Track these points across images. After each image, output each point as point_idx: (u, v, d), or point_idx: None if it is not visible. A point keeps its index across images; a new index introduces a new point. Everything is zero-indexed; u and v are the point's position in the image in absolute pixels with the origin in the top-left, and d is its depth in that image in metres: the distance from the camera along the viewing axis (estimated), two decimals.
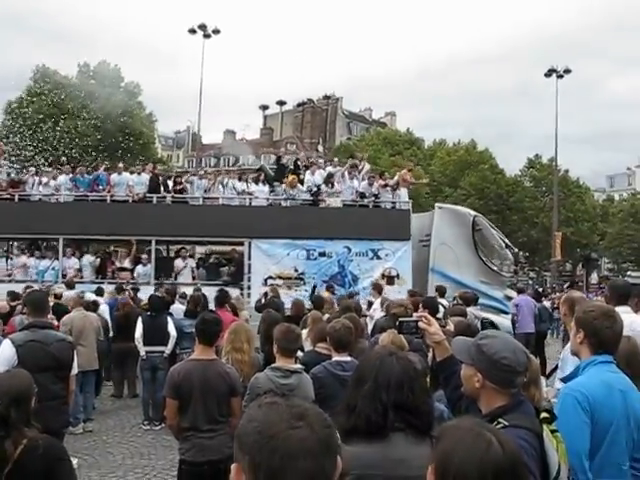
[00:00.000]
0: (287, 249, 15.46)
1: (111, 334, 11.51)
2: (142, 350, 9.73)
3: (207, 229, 15.40)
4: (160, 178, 16.90)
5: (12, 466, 2.81)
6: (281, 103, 74.70)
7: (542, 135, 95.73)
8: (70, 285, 13.09)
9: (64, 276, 15.04)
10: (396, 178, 16.90)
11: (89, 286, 13.76)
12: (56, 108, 37.07)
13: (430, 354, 4.40)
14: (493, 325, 12.69)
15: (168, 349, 9.71)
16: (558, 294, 23.65)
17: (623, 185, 78.94)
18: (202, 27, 35.37)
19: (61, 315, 9.61)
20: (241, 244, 15.73)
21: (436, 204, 17.90)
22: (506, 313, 14.64)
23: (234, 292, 13.59)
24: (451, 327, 5.47)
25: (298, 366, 4.69)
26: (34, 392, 3.17)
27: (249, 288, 15.05)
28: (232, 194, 16.30)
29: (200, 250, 18.64)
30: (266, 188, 16.50)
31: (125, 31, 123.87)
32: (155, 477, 7.38)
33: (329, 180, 16.14)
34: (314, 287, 13.83)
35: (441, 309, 9.06)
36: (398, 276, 15.41)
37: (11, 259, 16.19)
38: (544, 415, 2.55)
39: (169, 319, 9.93)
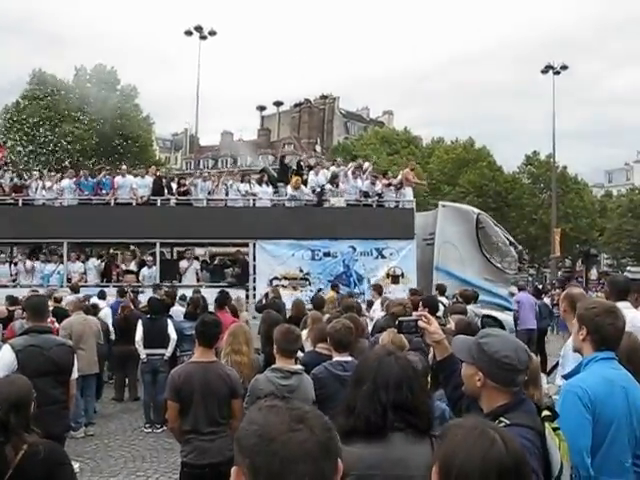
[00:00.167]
0: (292, 250, 15.47)
1: (112, 337, 11.52)
2: (142, 353, 9.73)
3: (211, 231, 15.41)
4: (164, 180, 16.93)
5: (13, 472, 2.81)
6: (278, 104, 74.76)
7: (540, 132, 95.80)
8: (75, 289, 13.10)
9: (69, 280, 15.04)
10: (399, 177, 16.91)
11: (94, 290, 13.79)
12: (53, 112, 37.07)
13: (431, 353, 4.39)
14: (498, 322, 12.72)
15: (168, 352, 9.71)
16: (557, 290, 23.62)
17: (621, 180, 78.99)
18: (198, 29, 35.34)
19: (61, 319, 9.63)
20: (246, 245, 15.76)
21: (440, 202, 17.90)
22: (510, 310, 14.66)
23: (240, 293, 13.67)
24: (452, 325, 5.46)
25: (298, 367, 4.68)
26: (33, 397, 3.16)
27: (254, 289, 15.03)
28: (236, 195, 16.31)
29: (199, 252, 18.61)
30: (270, 189, 16.51)
31: (121, 34, 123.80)
32: None
33: (334, 180, 16.17)
34: (319, 290, 13.90)
35: (441, 307, 9.06)
36: (403, 275, 15.47)
37: (15, 264, 16.17)
38: (546, 413, 2.54)
39: (169, 322, 9.92)
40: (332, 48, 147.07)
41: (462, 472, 1.53)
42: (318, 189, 15.95)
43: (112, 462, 8.00)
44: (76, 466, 6.91)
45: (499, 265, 15.87)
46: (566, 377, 3.25)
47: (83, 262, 15.92)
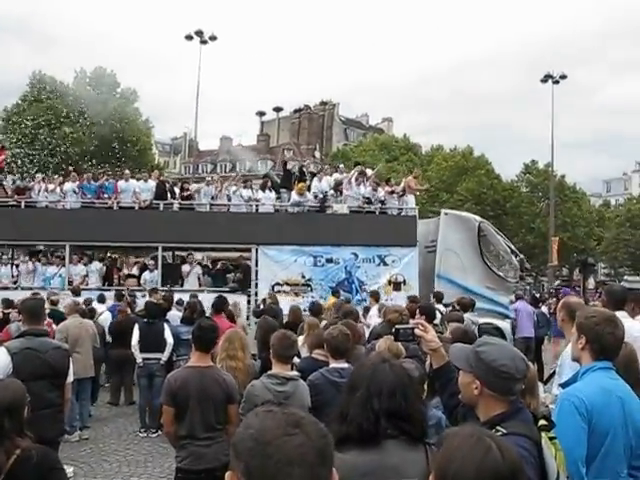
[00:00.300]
0: (294, 255, 15.48)
1: (108, 340, 11.49)
2: (138, 357, 9.69)
3: (214, 236, 15.45)
4: (167, 185, 16.96)
5: (5, 477, 2.79)
6: (278, 109, 74.85)
7: (540, 140, 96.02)
8: (76, 292, 13.09)
9: (70, 283, 15.05)
10: (402, 185, 16.92)
11: (96, 293, 13.79)
12: (52, 114, 37.07)
13: (428, 360, 4.39)
14: (499, 331, 12.68)
15: (165, 356, 9.68)
16: (554, 299, 23.61)
17: (619, 190, 79.20)
18: (199, 33, 35.46)
19: (59, 321, 9.61)
20: (248, 250, 15.77)
21: (442, 210, 17.96)
22: (510, 318, 14.68)
23: (241, 299, 13.67)
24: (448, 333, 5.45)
25: (294, 373, 4.67)
26: (27, 402, 3.14)
27: (256, 295, 15.01)
28: (239, 201, 16.31)
29: (197, 257, 18.62)
30: (273, 195, 16.52)
31: (122, 38, 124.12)
32: None
33: (337, 187, 16.20)
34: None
35: (438, 315, 9.05)
36: (405, 282, 15.47)
37: (17, 265, 16.12)
38: (542, 422, 2.54)
39: (166, 326, 9.89)
40: (332, 54, 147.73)
41: (457, 479, 1.52)
42: (321, 195, 15.98)
43: (106, 466, 7.95)
44: (70, 470, 6.88)
45: (501, 273, 15.91)
46: (563, 386, 3.24)
47: (85, 265, 15.91)
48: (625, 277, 49.98)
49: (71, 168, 22.51)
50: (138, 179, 16.71)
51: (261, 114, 77.90)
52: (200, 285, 15.57)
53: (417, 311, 7.86)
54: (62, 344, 5.73)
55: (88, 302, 12.21)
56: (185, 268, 15.85)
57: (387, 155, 52.80)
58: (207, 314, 9.48)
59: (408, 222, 16.13)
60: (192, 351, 4.92)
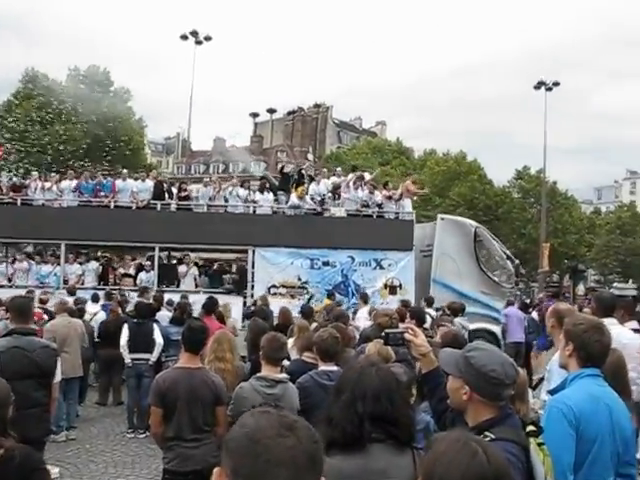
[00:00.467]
0: (291, 258, 15.49)
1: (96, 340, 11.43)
2: (127, 357, 9.64)
3: (211, 236, 15.39)
4: (165, 185, 16.92)
5: None
6: (271, 111, 74.77)
7: (533, 146, 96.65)
8: (72, 291, 13.01)
9: (66, 282, 14.96)
10: (400, 190, 16.95)
11: (91, 292, 13.68)
12: (44, 111, 36.87)
13: (418, 364, 4.39)
14: (493, 336, 12.74)
15: (154, 356, 9.63)
16: (539, 310, 23.66)
17: (610, 197, 79.81)
18: (194, 33, 35.46)
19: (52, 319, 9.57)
20: (245, 252, 15.76)
21: (438, 215, 18.07)
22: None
23: (238, 300, 13.63)
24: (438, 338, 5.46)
25: (283, 376, 4.66)
26: (11, 401, 3.11)
27: (252, 296, 14.97)
28: (236, 202, 16.30)
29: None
30: (270, 196, 16.51)
31: (116, 36, 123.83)
32: None
33: (335, 191, 16.21)
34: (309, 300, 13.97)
35: (429, 319, 9.06)
36: (401, 286, 15.58)
37: (12, 264, 16.03)
38: (530, 428, 2.53)
39: (155, 326, 9.85)
40: (326, 57, 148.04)
41: None
42: (318, 198, 15.97)
43: (93, 467, 7.89)
44: (56, 471, 6.84)
45: (496, 278, 15.98)
46: (551, 392, 3.24)
47: (81, 264, 15.82)
48: (614, 284, 50.26)
49: (64, 166, 22.45)
50: (136, 179, 16.67)
51: (254, 115, 77.80)
52: (197, 286, 15.54)
53: (407, 315, 7.87)
54: (50, 343, 5.68)
55: (78, 301, 12.13)
56: (182, 269, 15.84)
57: (380, 158, 52.88)
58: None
59: (405, 226, 16.16)
60: (181, 352, 4.90)
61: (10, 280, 15.46)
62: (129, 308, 12.12)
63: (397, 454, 2.35)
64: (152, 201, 15.85)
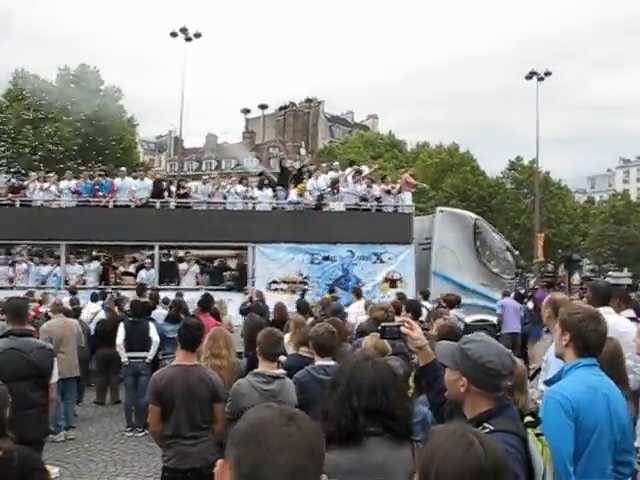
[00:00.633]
0: (291, 253, 15.49)
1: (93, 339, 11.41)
2: (124, 356, 9.64)
3: (210, 234, 15.34)
4: (164, 183, 16.87)
5: None
6: (263, 107, 74.50)
7: (525, 137, 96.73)
8: (73, 291, 12.97)
9: (66, 282, 14.92)
10: (398, 185, 16.93)
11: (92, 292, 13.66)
12: (35, 112, 36.67)
13: (415, 357, 4.40)
14: (494, 327, 12.87)
15: (150, 355, 9.63)
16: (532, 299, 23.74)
17: (604, 186, 80.00)
18: (183, 30, 35.21)
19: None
20: (245, 249, 15.75)
21: (437, 207, 18.11)
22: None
23: (238, 297, 13.71)
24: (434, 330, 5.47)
25: (280, 371, 4.66)
26: (9, 402, 3.10)
27: None
28: (235, 199, 16.26)
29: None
30: (269, 192, 16.48)
31: (106, 35, 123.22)
32: None
33: (334, 186, 16.20)
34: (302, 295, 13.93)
35: (425, 312, 9.08)
36: (401, 279, 15.60)
37: (13, 264, 15.95)
38: (529, 419, 2.54)
39: (151, 324, 9.85)
40: (317, 52, 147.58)
41: (439, 474, 1.52)
42: (317, 193, 15.96)
43: (92, 466, 7.90)
44: (55, 470, 6.83)
45: (496, 270, 16.02)
46: (548, 383, 3.24)
47: (82, 264, 15.77)
48: (609, 273, 50.47)
49: (55, 167, 22.34)
50: (134, 177, 16.63)
51: (246, 111, 77.48)
52: (198, 284, 15.51)
53: (403, 308, 7.89)
54: (46, 344, 5.67)
55: (74, 301, 12.11)
56: (182, 266, 15.81)
57: (372, 152, 52.84)
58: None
59: (404, 219, 16.17)
60: (178, 350, 4.90)
61: (12, 281, 15.38)
62: (127, 307, 12.12)
63: (395, 447, 2.35)
64: (151, 199, 15.80)
